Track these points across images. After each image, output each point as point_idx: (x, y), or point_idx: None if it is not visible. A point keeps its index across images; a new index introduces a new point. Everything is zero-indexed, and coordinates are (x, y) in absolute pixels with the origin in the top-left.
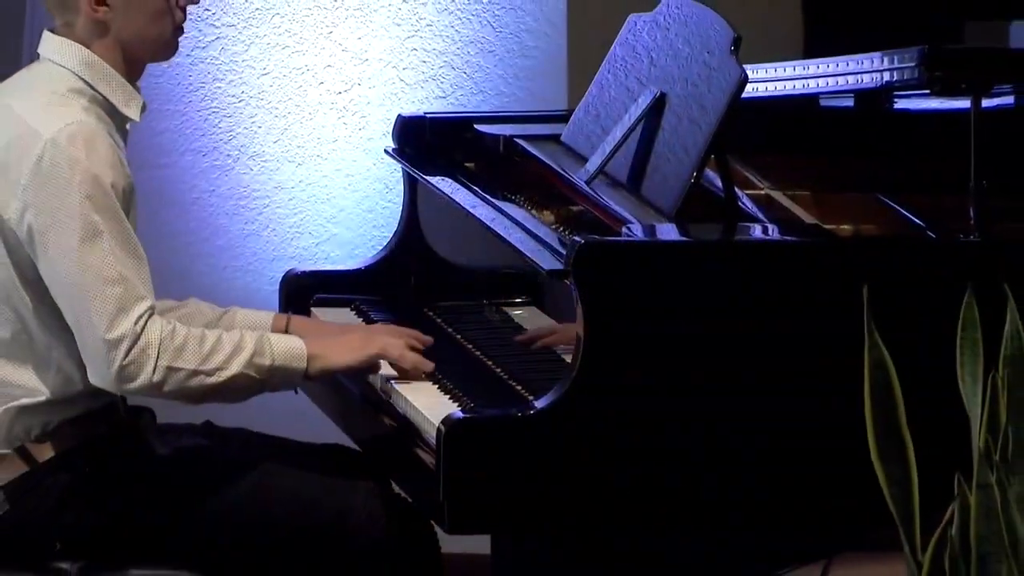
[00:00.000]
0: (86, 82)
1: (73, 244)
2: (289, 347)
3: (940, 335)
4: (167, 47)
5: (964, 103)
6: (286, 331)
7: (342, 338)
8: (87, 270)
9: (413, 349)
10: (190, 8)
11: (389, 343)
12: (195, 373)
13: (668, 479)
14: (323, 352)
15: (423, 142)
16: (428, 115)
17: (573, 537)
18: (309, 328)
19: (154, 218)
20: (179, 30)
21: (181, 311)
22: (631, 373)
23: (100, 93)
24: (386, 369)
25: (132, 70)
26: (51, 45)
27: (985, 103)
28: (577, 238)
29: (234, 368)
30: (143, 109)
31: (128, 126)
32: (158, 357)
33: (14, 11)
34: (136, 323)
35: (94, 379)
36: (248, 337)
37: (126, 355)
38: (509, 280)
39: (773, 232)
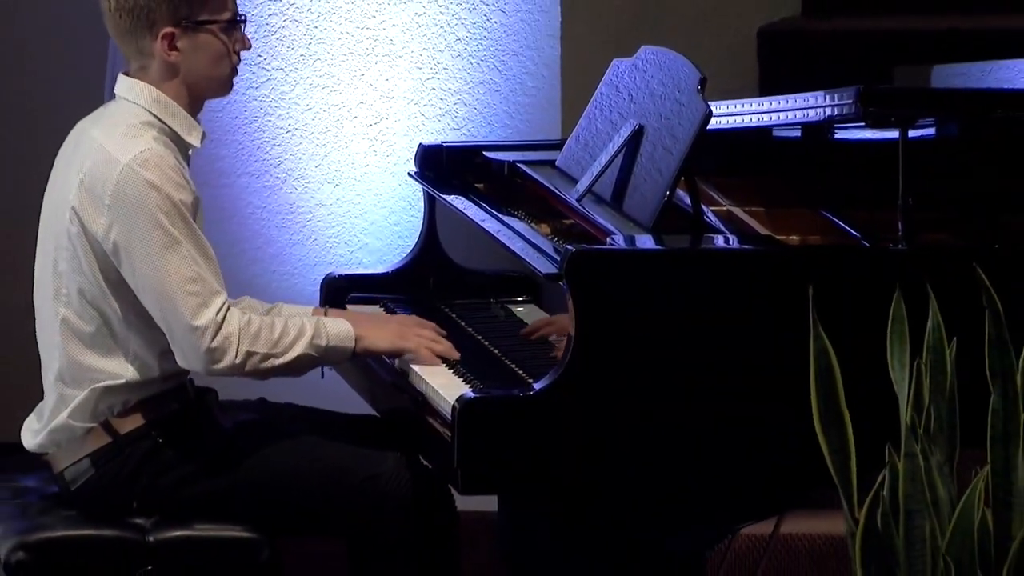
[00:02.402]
0: (155, 116)
1: (156, 252)
2: (340, 330)
3: (873, 328)
4: (225, 86)
5: (893, 134)
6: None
7: (382, 325)
8: (171, 273)
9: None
10: (244, 55)
11: (420, 342)
12: (268, 356)
13: (645, 450)
14: (366, 334)
15: (440, 167)
16: (445, 144)
17: (565, 497)
18: (344, 316)
19: (215, 229)
20: (235, 71)
21: (238, 306)
22: (614, 360)
23: (167, 125)
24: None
25: (194, 106)
26: (125, 85)
27: (911, 133)
28: (569, 247)
29: (298, 350)
30: (203, 137)
31: (190, 152)
32: (239, 343)
33: (97, 58)
34: (217, 314)
35: (184, 363)
36: (307, 323)
37: (212, 340)
38: (512, 282)
39: (733, 242)
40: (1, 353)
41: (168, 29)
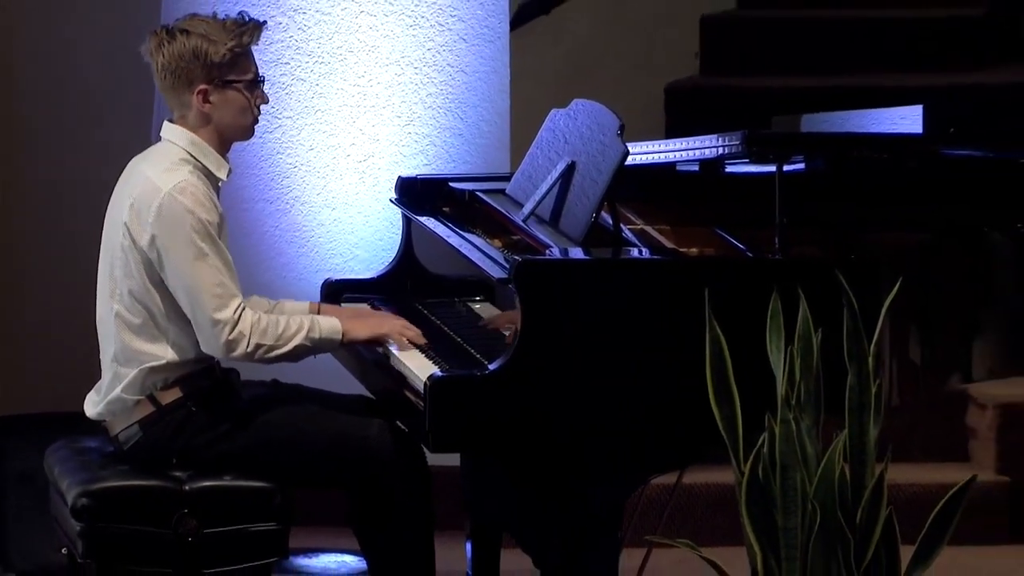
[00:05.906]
0: (191, 155)
1: (189, 262)
2: (330, 325)
3: (756, 321)
4: (248, 132)
5: (772, 168)
6: (319, 314)
7: (364, 319)
8: (200, 278)
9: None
10: (262, 107)
11: (392, 330)
12: (273, 347)
13: (576, 418)
14: (351, 328)
15: (415, 194)
16: (419, 176)
17: (513, 454)
18: (334, 311)
19: (238, 244)
20: (256, 120)
21: (248, 301)
22: (552, 347)
23: (200, 162)
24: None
25: (223, 147)
26: (168, 130)
27: (785, 167)
28: (517, 257)
29: (296, 341)
30: (229, 172)
31: (220, 184)
32: (250, 336)
33: (146, 110)
34: (234, 313)
35: (206, 349)
36: (304, 320)
37: (230, 333)
38: (472, 284)
39: (646, 253)
40: (67, 341)
41: (203, 86)
